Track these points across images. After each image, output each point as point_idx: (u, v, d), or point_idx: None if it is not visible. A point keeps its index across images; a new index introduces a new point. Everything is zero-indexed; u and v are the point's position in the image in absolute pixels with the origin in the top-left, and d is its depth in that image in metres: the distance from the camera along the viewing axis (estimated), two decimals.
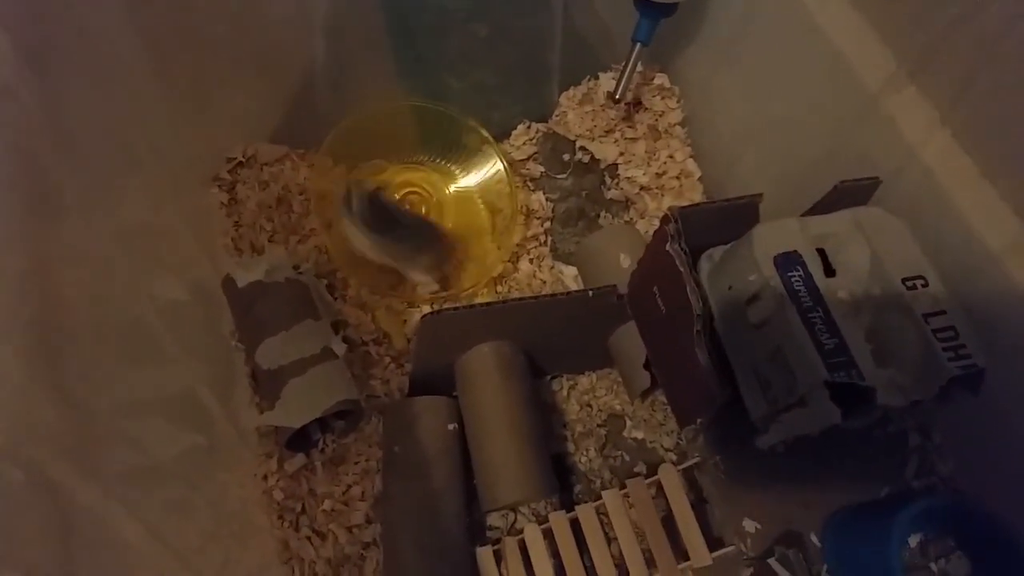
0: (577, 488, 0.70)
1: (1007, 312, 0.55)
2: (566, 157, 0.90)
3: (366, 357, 0.75)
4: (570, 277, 0.82)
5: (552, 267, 0.83)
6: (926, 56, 0.58)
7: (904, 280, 0.51)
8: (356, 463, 0.70)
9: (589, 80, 0.93)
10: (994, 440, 0.63)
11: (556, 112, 0.92)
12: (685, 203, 0.86)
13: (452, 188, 0.85)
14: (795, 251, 0.52)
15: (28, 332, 0.42)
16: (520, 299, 0.64)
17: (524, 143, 0.90)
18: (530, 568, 0.62)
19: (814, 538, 0.67)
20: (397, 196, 0.82)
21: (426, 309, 0.77)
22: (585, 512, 0.63)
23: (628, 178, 0.87)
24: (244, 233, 0.80)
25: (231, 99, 0.77)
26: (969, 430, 0.67)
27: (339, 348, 0.69)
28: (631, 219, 0.86)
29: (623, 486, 0.65)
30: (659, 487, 0.64)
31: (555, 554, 0.62)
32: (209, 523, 0.58)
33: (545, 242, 0.84)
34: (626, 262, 0.71)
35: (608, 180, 0.88)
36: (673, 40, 0.87)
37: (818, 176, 0.59)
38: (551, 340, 0.68)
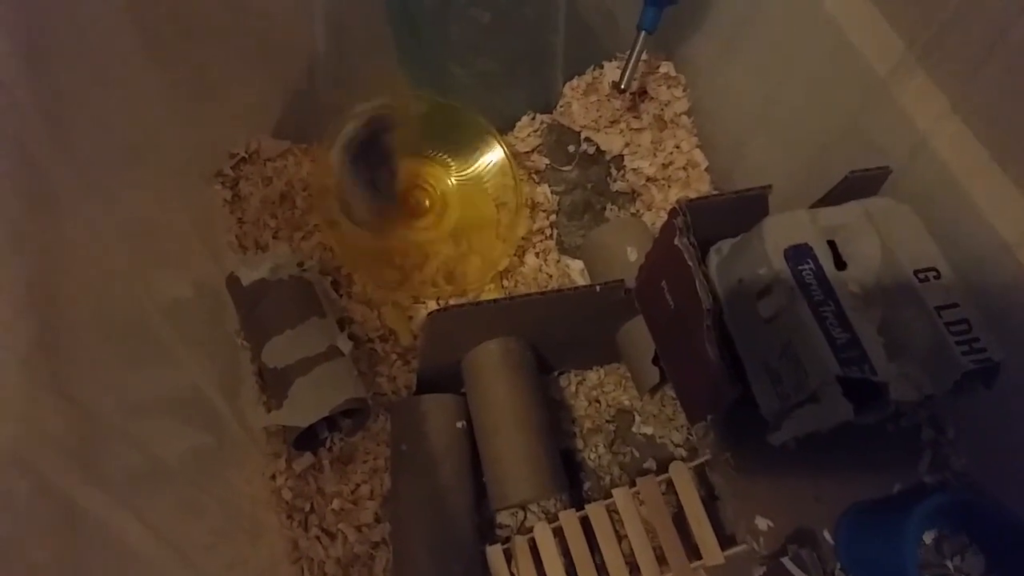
0: (586, 485, 0.70)
1: (1022, 302, 0.54)
2: (571, 149, 0.89)
3: (372, 354, 0.75)
4: (577, 271, 0.81)
5: (558, 261, 0.82)
6: (936, 42, 0.57)
7: (916, 272, 0.50)
8: (364, 462, 0.70)
9: (593, 69, 0.92)
10: (1008, 434, 0.62)
11: (560, 103, 0.91)
12: (692, 194, 0.87)
13: (455, 181, 0.84)
14: (806, 243, 0.51)
15: (29, 333, 0.42)
16: (527, 295, 0.64)
17: (528, 135, 0.89)
18: (540, 567, 0.61)
19: (827, 535, 0.67)
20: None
21: (432, 305, 0.77)
22: (595, 510, 0.63)
23: (634, 169, 0.87)
24: (248, 230, 0.79)
25: (232, 93, 0.76)
26: (983, 424, 0.66)
27: (345, 346, 0.69)
28: (637, 211, 0.86)
29: (633, 484, 0.64)
30: (670, 484, 0.64)
31: (565, 552, 0.62)
32: (218, 523, 0.58)
33: (551, 235, 0.84)
34: (633, 256, 0.70)
35: (614, 171, 0.87)
36: (678, 28, 0.86)
37: (827, 165, 0.58)
38: (558, 336, 0.68)
